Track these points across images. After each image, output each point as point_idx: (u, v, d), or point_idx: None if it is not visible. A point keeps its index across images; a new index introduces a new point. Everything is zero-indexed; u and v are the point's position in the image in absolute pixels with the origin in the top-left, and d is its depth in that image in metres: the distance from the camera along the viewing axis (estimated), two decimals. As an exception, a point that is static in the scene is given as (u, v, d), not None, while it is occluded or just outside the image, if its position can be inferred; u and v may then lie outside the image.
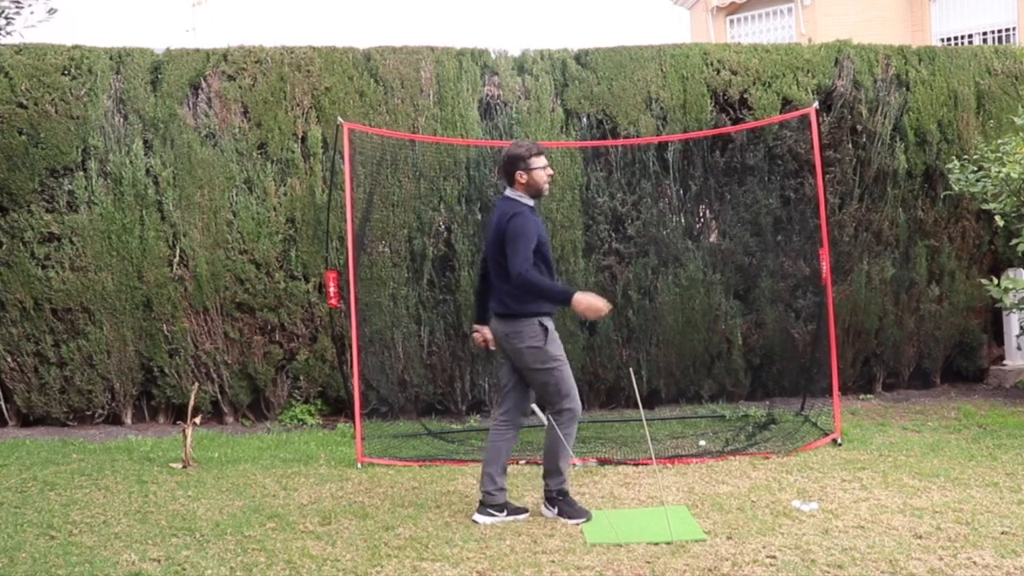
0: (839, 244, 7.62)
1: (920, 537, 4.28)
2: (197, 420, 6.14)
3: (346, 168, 6.25)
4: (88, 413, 7.29)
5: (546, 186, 4.77)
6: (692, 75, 7.57)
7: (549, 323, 4.68)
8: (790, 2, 15.94)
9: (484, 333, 4.98)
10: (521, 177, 4.71)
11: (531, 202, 4.75)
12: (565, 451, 4.71)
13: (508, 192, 4.78)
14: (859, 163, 7.71)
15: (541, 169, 4.71)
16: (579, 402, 4.76)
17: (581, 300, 4.50)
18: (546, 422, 4.81)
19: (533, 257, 4.58)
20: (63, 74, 7.07)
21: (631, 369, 5.23)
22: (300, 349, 7.30)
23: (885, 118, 7.71)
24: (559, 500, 4.74)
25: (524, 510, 4.83)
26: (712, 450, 6.08)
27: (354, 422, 6.15)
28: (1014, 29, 14.62)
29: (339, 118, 6.49)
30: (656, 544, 4.27)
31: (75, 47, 7.17)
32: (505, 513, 4.74)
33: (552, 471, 4.76)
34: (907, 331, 7.89)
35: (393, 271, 7.27)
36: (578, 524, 4.61)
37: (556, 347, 4.69)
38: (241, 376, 7.32)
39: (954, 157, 7.70)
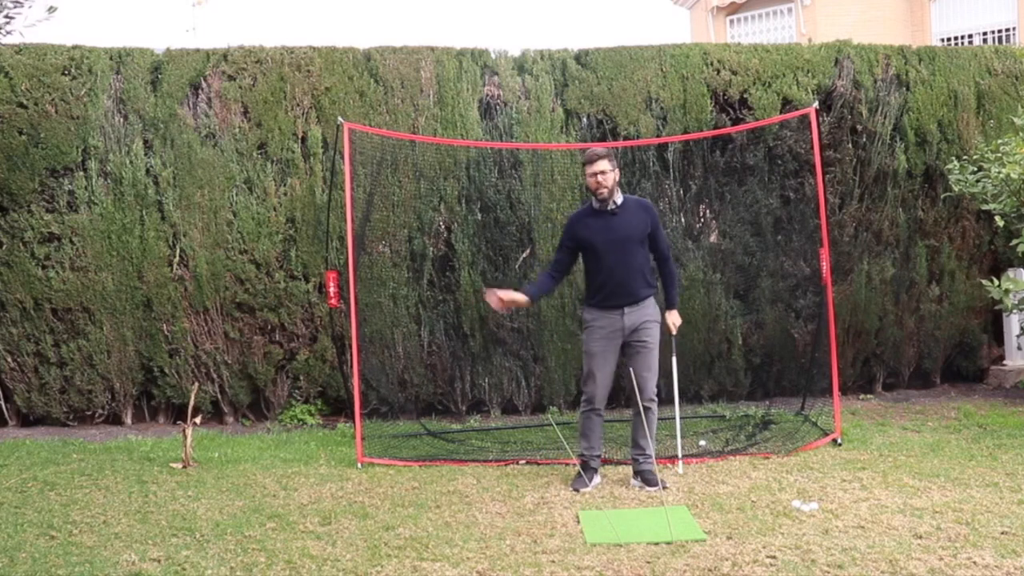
0: (839, 244, 7.62)
1: (920, 537, 4.28)
2: (197, 420, 6.14)
3: (346, 168, 6.25)
4: (88, 413, 7.29)
5: (599, 192, 5.29)
6: (692, 75, 7.57)
7: (589, 314, 5.40)
8: (790, 2, 15.94)
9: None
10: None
11: (596, 204, 5.35)
12: (579, 428, 5.48)
13: None
14: (859, 163, 7.71)
15: (589, 176, 5.32)
16: (596, 397, 5.34)
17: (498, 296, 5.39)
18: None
19: (577, 251, 5.42)
20: (63, 74, 7.07)
21: (631, 369, 5.25)
22: (300, 349, 7.30)
23: (885, 118, 7.71)
24: (579, 466, 5.36)
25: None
26: (712, 450, 6.08)
27: (354, 422, 6.16)
28: (1014, 29, 14.63)
29: (339, 118, 6.49)
30: (656, 544, 4.27)
31: (75, 47, 7.17)
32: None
33: (578, 448, 5.48)
34: (907, 331, 7.90)
35: (393, 271, 7.27)
36: (571, 491, 5.21)
37: (587, 335, 5.41)
38: (241, 376, 7.33)
39: (954, 157, 7.70)
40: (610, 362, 5.36)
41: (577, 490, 5.20)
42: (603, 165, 5.24)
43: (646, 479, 5.27)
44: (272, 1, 37.13)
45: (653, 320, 5.38)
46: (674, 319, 5.56)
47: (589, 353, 5.36)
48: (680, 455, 5.68)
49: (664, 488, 5.18)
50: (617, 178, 5.33)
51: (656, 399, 5.41)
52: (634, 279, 5.31)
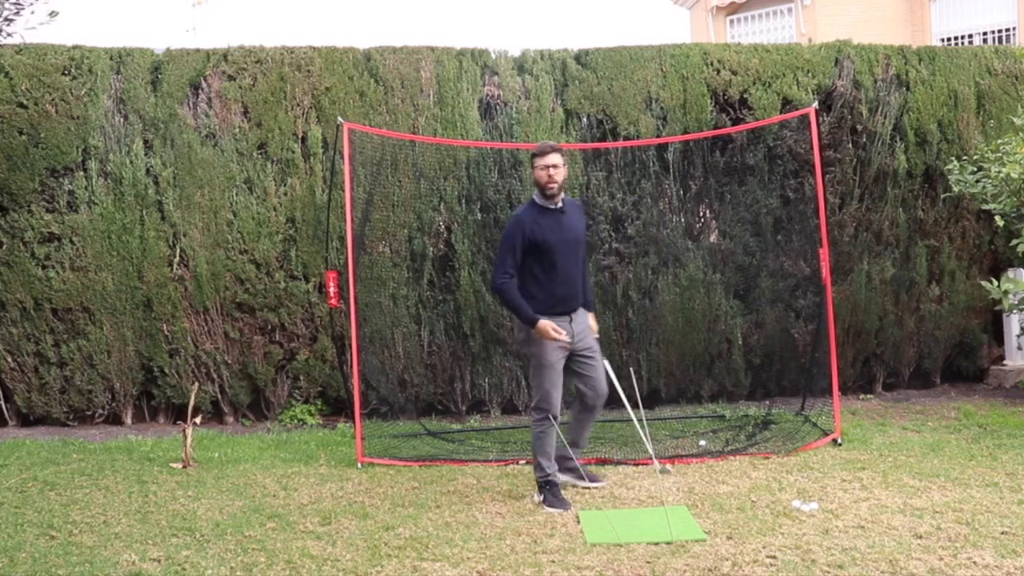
0: (839, 244, 7.62)
1: (920, 537, 4.28)
2: (197, 420, 6.14)
3: (346, 168, 6.25)
4: (88, 413, 7.29)
5: (549, 185, 5.01)
6: (692, 75, 7.57)
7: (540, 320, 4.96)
8: (790, 2, 15.94)
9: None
10: (532, 175, 5.15)
11: (543, 201, 5.05)
12: (540, 448, 5.04)
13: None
14: (859, 163, 7.71)
15: (540, 169, 5.03)
16: (555, 408, 5.03)
17: (540, 328, 4.93)
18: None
19: (525, 260, 4.96)
20: (63, 74, 7.07)
21: (631, 369, 5.23)
22: (300, 349, 7.30)
23: (885, 118, 7.71)
24: (545, 489, 5.00)
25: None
26: (712, 450, 6.08)
27: (354, 422, 6.16)
28: (1014, 29, 14.63)
29: (339, 118, 6.49)
30: (656, 544, 4.27)
31: (75, 47, 7.17)
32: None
33: (535, 465, 5.09)
34: (907, 331, 7.89)
35: (393, 271, 7.27)
36: (557, 512, 4.82)
37: (539, 346, 4.97)
38: (241, 376, 7.33)
39: (954, 157, 7.69)
40: (562, 372, 5.07)
41: (567, 508, 4.88)
42: (556, 159, 4.98)
43: (583, 475, 5.28)
44: (272, 1, 37.16)
45: (589, 326, 5.21)
46: (594, 323, 5.31)
47: (546, 365, 4.95)
48: (653, 455, 5.44)
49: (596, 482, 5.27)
50: (566, 176, 5.11)
51: None
52: (580, 283, 5.11)
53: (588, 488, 5.23)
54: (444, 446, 6.51)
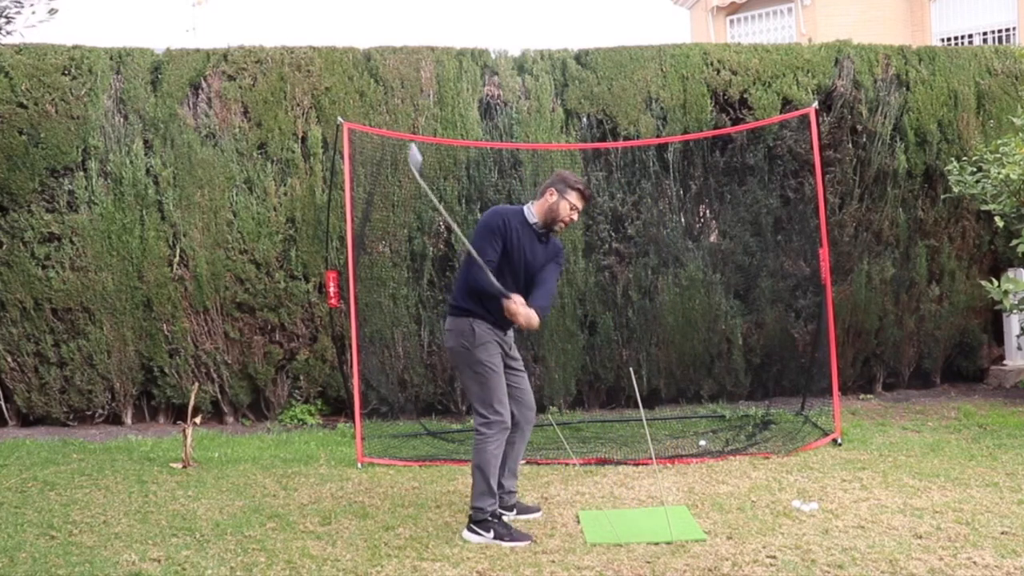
0: (839, 244, 7.62)
1: (920, 537, 4.28)
2: (197, 420, 6.14)
3: (346, 168, 6.25)
4: (88, 413, 7.29)
5: (561, 223, 4.57)
6: (692, 75, 7.57)
7: (481, 327, 4.48)
8: (790, 2, 15.94)
9: None
10: (551, 195, 4.55)
11: (536, 225, 4.56)
12: (492, 469, 4.45)
13: (529, 203, 4.65)
14: (859, 163, 7.71)
15: (571, 208, 4.56)
16: (508, 414, 4.49)
17: (513, 306, 4.39)
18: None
19: (498, 262, 4.44)
20: (63, 74, 7.08)
21: (631, 369, 5.24)
22: (300, 349, 7.30)
23: (885, 118, 7.71)
24: (494, 523, 4.42)
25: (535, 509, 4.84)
26: (712, 450, 6.08)
27: (354, 422, 6.15)
28: (1014, 29, 14.63)
29: (339, 118, 6.49)
30: (656, 544, 4.27)
31: (75, 47, 7.17)
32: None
33: (484, 492, 4.44)
34: (907, 331, 7.90)
35: (393, 271, 7.27)
36: (521, 545, 4.31)
37: (485, 352, 4.48)
38: (241, 376, 7.33)
39: (954, 158, 7.70)
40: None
41: (531, 540, 4.39)
42: (583, 207, 4.67)
43: (525, 508, 4.82)
44: (272, 1, 37.18)
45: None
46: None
47: (493, 370, 4.48)
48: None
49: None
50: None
51: None
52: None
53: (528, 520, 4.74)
54: (444, 446, 6.51)
